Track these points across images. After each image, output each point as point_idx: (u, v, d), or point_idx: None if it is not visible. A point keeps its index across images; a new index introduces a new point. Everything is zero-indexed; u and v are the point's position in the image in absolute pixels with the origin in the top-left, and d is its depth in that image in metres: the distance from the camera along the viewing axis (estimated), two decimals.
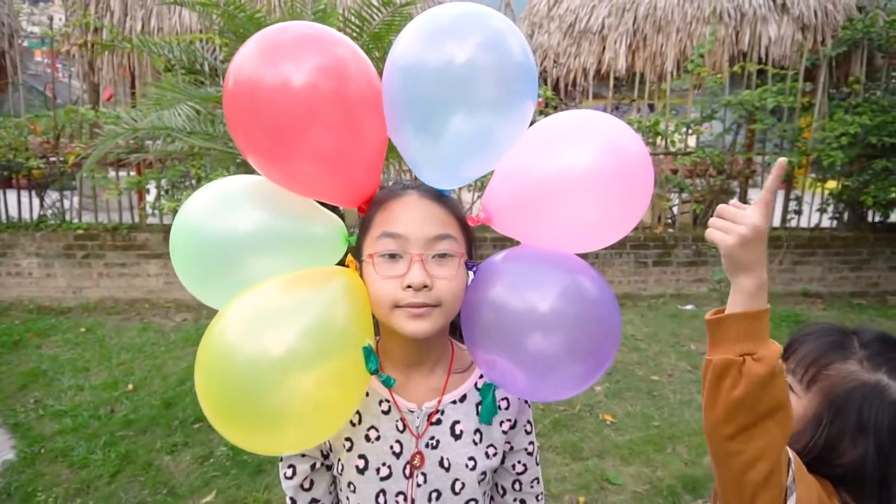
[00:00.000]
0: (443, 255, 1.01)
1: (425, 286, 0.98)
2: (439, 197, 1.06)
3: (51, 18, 6.95)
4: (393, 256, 1.01)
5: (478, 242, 1.16)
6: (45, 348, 4.84)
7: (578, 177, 1.00)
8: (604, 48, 7.26)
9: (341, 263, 1.12)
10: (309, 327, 0.92)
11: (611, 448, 3.46)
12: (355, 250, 1.11)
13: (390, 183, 1.16)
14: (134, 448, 3.38)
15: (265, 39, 0.97)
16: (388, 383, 1.05)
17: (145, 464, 3.24)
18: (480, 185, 5.98)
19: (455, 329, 1.15)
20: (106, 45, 5.62)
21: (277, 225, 1.05)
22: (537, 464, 1.26)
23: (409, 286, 0.98)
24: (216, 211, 1.05)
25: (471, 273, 1.07)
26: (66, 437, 3.48)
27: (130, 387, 4.13)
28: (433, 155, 1.03)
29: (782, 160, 0.97)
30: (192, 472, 3.19)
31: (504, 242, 5.38)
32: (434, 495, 1.12)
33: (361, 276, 1.06)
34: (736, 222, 0.96)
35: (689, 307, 6.11)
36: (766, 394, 0.92)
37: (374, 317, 1.06)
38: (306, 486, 1.20)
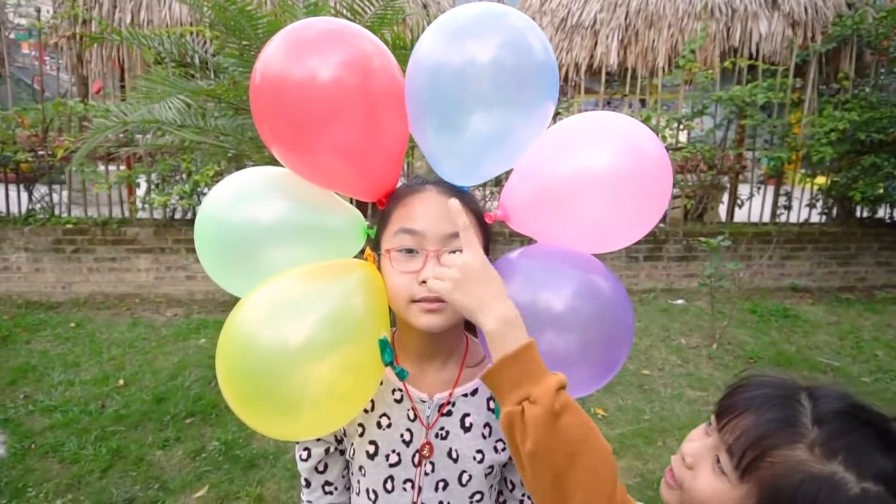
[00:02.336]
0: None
1: None
2: (457, 193, 1.07)
3: (38, 10, 6.87)
4: (410, 252, 1.02)
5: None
6: (35, 343, 4.80)
7: (597, 177, 1.00)
8: (596, 43, 7.27)
9: (361, 253, 1.15)
10: (326, 318, 0.95)
11: None
12: (374, 243, 1.13)
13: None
14: (125, 443, 3.37)
15: (290, 35, 0.99)
16: (401, 375, 1.07)
17: (137, 459, 3.23)
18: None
19: (470, 322, 1.17)
20: (95, 37, 5.56)
21: (299, 216, 1.07)
22: None
23: (424, 281, 1.00)
24: (239, 201, 1.07)
25: None
26: (56, 433, 3.46)
27: (121, 382, 4.11)
28: (453, 152, 1.04)
29: (453, 201, 0.95)
30: (183, 467, 3.18)
31: (497, 237, 5.39)
32: (441, 485, 1.14)
33: (379, 268, 1.08)
34: (450, 267, 0.92)
35: (679, 302, 6.15)
36: (557, 437, 0.80)
37: (390, 309, 1.08)
38: (320, 468, 1.23)
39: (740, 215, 7.04)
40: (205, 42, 5.70)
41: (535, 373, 0.84)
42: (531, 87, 0.99)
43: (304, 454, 1.23)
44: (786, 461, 0.78)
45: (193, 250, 6.28)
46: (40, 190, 6.16)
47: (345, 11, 3.69)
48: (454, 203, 0.95)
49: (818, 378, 4.27)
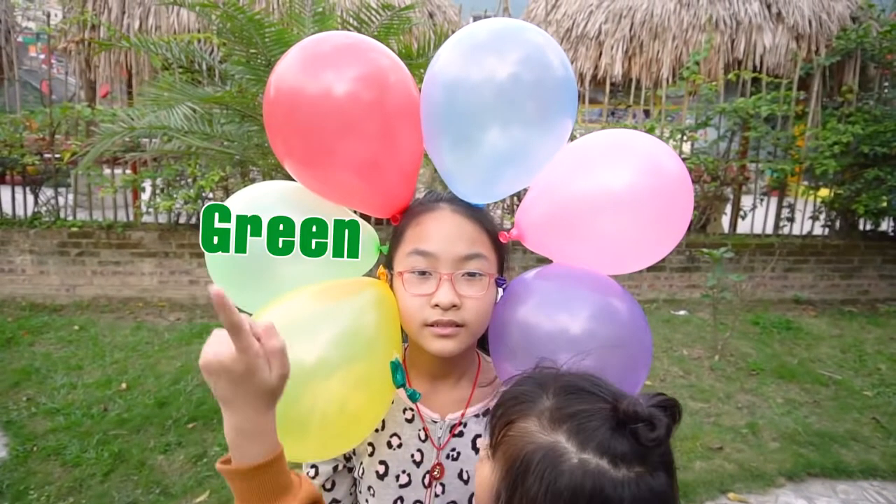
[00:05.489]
0: (472, 275, 1.00)
1: (454, 305, 0.98)
2: (472, 212, 1.05)
3: (48, 15, 6.93)
4: (423, 273, 1.00)
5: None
6: (38, 346, 4.82)
7: (616, 196, 0.97)
8: (600, 54, 7.30)
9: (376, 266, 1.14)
10: (337, 338, 0.93)
11: None
12: (387, 261, 1.10)
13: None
14: (127, 447, 3.38)
15: (306, 49, 0.98)
16: (413, 398, 1.05)
17: (138, 463, 3.24)
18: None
19: (483, 340, 1.13)
20: (104, 44, 5.60)
21: None
22: None
23: (436, 305, 0.98)
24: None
25: (500, 290, 1.06)
26: (58, 436, 3.48)
27: (124, 386, 4.12)
28: (469, 169, 1.02)
29: (214, 289, 0.70)
30: (185, 472, 3.19)
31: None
32: None
33: (392, 286, 1.06)
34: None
35: (682, 312, 6.15)
36: None
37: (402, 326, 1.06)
38: (328, 486, 1.21)
39: (743, 227, 7.04)
40: (212, 49, 5.74)
41: (260, 497, 0.77)
42: (550, 104, 0.97)
43: (312, 472, 1.20)
44: (518, 433, 0.78)
45: (197, 255, 6.23)
46: (46, 193, 6.20)
47: (352, 20, 3.73)
48: (212, 288, 0.72)
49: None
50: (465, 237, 1.02)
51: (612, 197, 0.97)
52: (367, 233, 1.13)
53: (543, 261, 1.14)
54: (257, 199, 1.07)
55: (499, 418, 0.81)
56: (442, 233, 1.01)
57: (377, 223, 4.67)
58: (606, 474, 0.69)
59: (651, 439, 0.70)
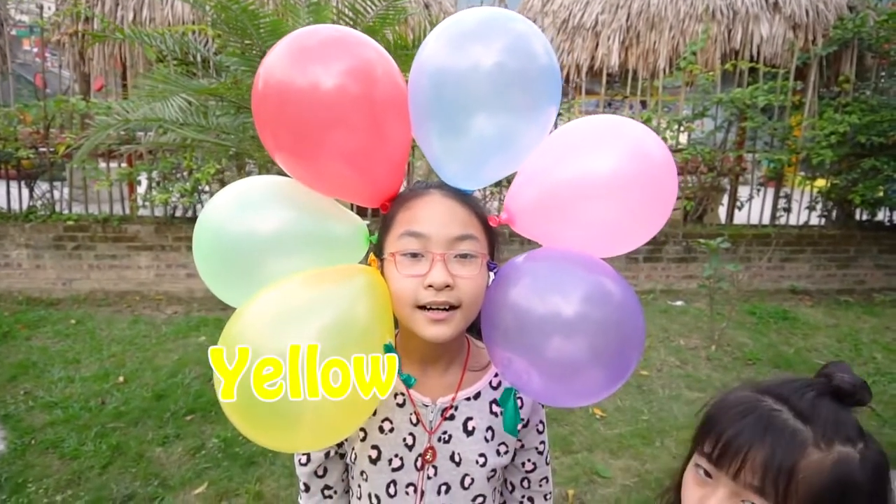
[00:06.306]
0: (465, 256, 1.01)
1: (447, 286, 0.98)
2: (462, 196, 1.06)
3: (40, 7, 6.88)
4: (415, 255, 1.00)
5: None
6: (35, 340, 4.82)
7: (601, 181, 0.99)
8: (597, 44, 7.28)
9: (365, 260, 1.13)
10: (330, 325, 0.92)
11: (600, 441, 3.50)
12: (377, 248, 1.10)
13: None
14: (125, 440, 3.39)
15: (293, 43, 0.99)
16: (408, 382, 1.05)
17: (136, 455, 3.25)
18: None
19: (472, 326, 1.13)
20: (98, 35, 5.57)
21: (301, 225, 1.05)
22: (547, 463, 1.27)
23: (430, 286, 0.98)
24: (240, 210, 1.05)
25: (492, 274, 1.07)
26: (56, 429, 3.48)
27: (121, 379, 4.12)
28: (457, 155, 1.03)
29: None
30: (183, 464, 3.19)
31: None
32: (443, 488, 1.14)
33: (383, 274, 1.06)
34: None
35: (678, 303, 6.16)
36: None
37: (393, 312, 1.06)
38: (320, 473, 1.23)
39: (740, 217, 7.05)
40: (207, 41, 5.71)
41: None
42: (534, 92, 0.99)
43: (304, 458, 1.22)
44: (811, 470, 0.82)
45: None
46: (41, 187, 6.17)
47: (347, 11, 3.71)
48: None
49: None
50: (457, 219, 1.02)
51: (598, 181, 1.00)
52: (356, 224, 1.13)
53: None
54: (245, 193, 1.07)
55: (777, 472, 0.82)
56: (433, 215, 1.02)
57: (373, 215, 4.66)
58: (876, 450, 0.87)
59: (868, 400, 0.89)
